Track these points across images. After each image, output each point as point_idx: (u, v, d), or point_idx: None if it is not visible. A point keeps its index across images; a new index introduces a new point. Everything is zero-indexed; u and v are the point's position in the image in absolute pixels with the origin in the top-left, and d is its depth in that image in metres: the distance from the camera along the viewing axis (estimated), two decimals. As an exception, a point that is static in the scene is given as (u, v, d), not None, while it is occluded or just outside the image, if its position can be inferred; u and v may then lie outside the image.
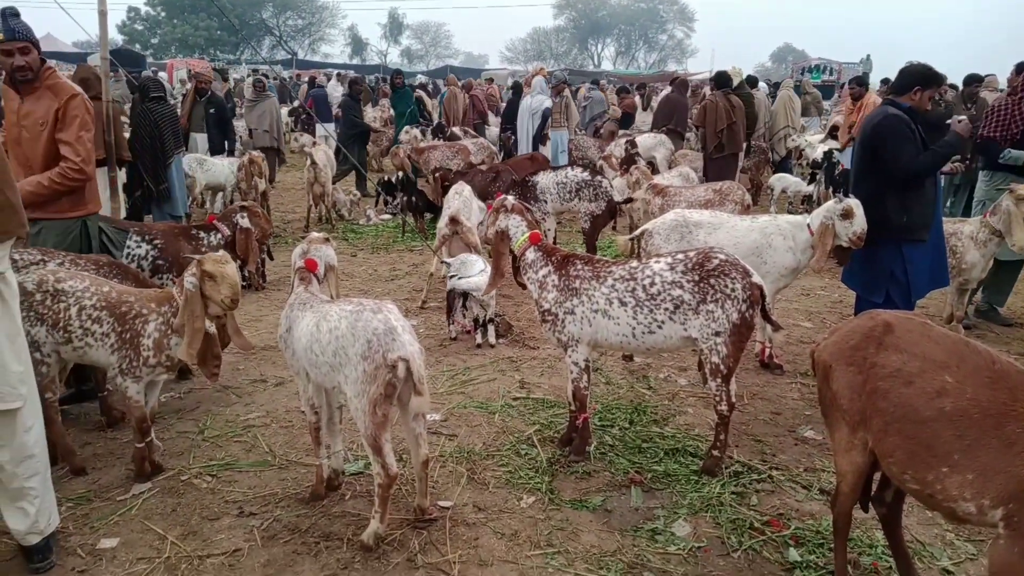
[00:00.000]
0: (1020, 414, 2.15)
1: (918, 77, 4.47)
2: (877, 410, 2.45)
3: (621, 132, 12.97)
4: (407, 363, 2.85)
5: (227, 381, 4.76)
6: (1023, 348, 5.59)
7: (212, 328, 3.69)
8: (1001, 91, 9.27)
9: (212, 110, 9.49)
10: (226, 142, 9.60)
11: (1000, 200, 5.26)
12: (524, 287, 3.98)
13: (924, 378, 2.35)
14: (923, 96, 4.47)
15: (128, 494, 3.46)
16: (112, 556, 3.01)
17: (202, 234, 5.03)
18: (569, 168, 7.68)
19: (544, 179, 7.52)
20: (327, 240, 3.60)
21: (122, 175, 6.32)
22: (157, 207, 6.99)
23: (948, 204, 8.23)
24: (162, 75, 19.81)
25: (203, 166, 8.77)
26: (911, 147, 4.34)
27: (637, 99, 16.69)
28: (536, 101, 10.37)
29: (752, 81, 11.65)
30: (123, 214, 6.15)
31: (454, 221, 6.10)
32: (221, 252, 3.45)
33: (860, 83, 9.48)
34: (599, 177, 7.45)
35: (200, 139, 9.54)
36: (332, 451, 3.45)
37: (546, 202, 7.50)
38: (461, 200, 6.71)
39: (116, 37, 48.91)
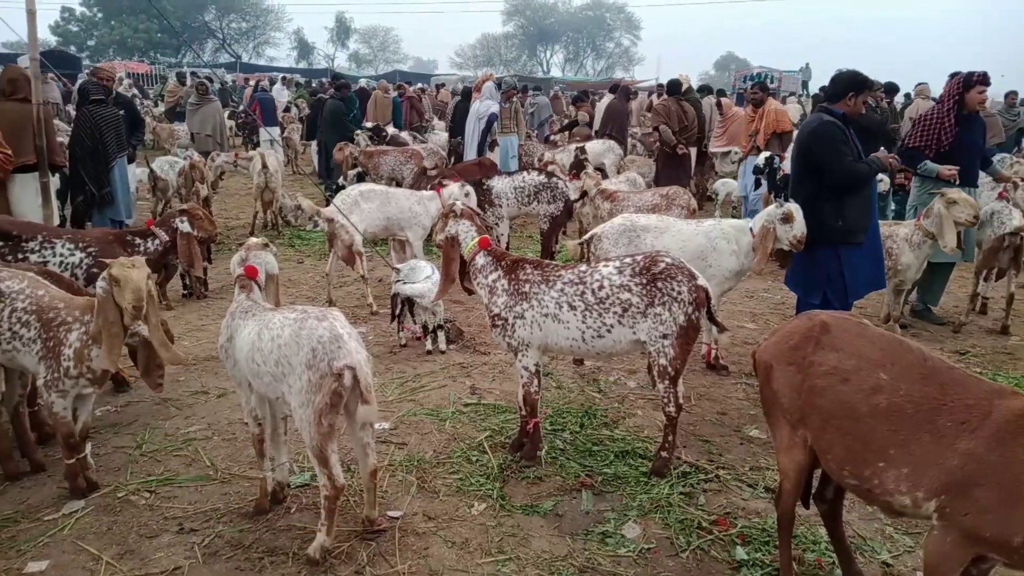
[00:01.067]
0: (950, 408, 2.23)
1: (851, 83, 4.62)
2: (815, 408, 2.51)
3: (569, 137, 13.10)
4: (353, 371, 2.80)
5: (167, 393, 4.58)
6: (956, 346, 5.82)
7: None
8: (933, 99, 9.64)
9: (122, 111, 8.22)
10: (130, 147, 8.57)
11: (932, 204, 5.47)
12: (471, 292, 3.95)
13: (860, 376, 2.42)
14: (857, 101, 4.63)
15: (59, 513, 3.30)
16: (41, 580, 2.87)
17: (139, 240, 4.86)
18: (525, 172, 7.78)
19: (500, 184, 7.59)
20: (267, 246, 3.50)
21: (56, 181, 6.07)
22: (99, 212, 6.74)
23: (892, 208, 8.51)
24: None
25: (175, 168, 8.50)
26: (847, 152, 4.48)
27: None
28: (484, 106, 10.36)
29: (706, 89, 11.94)
30: (56, 220, 5.90)
31: (330, 220, 6.22)
32: (136, 257, 3.29)
33: (762, 88, 9.32)
34: (555, 179, 7.62)
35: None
36: (277, 463, 3.36)
37: (501, 206, 7.55)
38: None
39: (49, 38, 47.09)
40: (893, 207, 8.51)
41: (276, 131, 13.62)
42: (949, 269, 6.44)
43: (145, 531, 3.19)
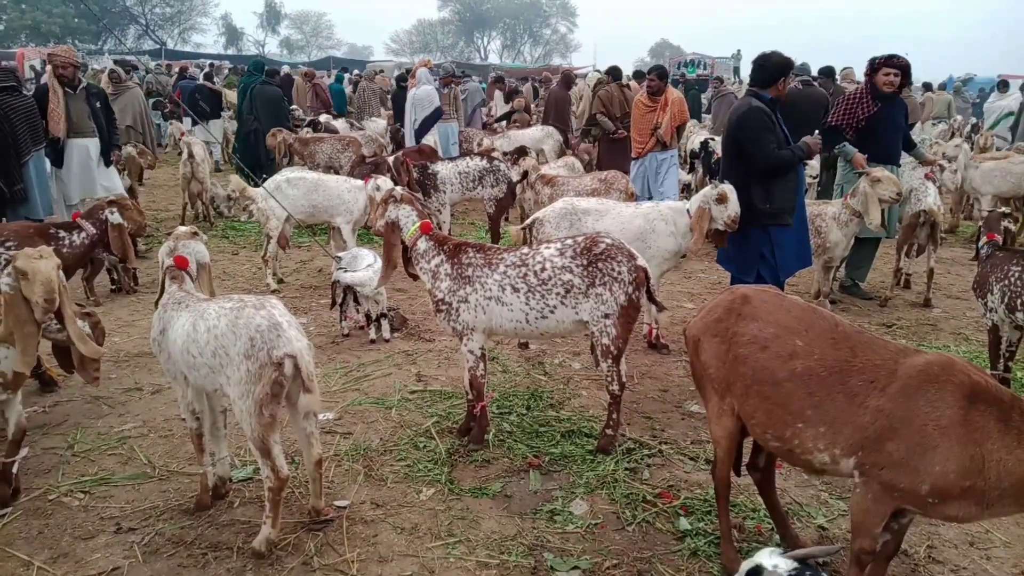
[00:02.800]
0: (860, 369, 2.36)
1: (783, 68, 4.72)
2: (739, 375, 2.62)
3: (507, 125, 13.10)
4: (294, 360, 2.75)
5: (98, 392, 4.41)
6: (883, 319, 6.09)
7: (86, 327, 3.43)
8: (858, 83, 10.00)
9: (99, 104, 7.17)
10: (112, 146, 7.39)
11: (858, 183, 5.70)
12: (415, 278, 3.93)
13: (777, 343, 2.53)
14: (785, 85, 4.76)
15: (-16, 520, 3.15)
16: (-33, 589, 2.74)
17: (62, 233, 4.66)
18: (468, 158, 7.80)
19: (445, 169, 7.60)
20: (195, 234, 3.38)
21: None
22: (11, 210, 6.32)
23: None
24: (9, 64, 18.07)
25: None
26: (772, 139, 4.61)
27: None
28: (422, 92, 10.23)
29: (640, 75, 12.03)
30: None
31: (251, 201, 6.52)
32: (41, 247, 3.11)
33: (660, 75, 7.93)
34: (497, 162, 7.69)
35: (87, 147, 6.99)
36: (217, 458, 3.28)
37: (445, 192, 7.54)
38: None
39: (-47, 23, 44.24)
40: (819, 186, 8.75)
41: (218, 124, 13.09)
42: (875, 246, 6.73)
43: (80, 532, 3.08)
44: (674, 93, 8.01)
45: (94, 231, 4.72)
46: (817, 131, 6.21)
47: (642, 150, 7.89)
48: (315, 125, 11.80)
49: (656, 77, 7.89)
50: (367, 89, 15.33)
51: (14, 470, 3.26)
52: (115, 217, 4.75)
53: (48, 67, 6.93)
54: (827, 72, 10.00)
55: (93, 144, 7.07)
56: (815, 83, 8.90)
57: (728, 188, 4.64)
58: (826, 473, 2.49)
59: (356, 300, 5.43)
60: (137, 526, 3.13)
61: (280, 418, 2.87)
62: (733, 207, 4.61)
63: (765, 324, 2.60)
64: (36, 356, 3.09)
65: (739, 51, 28.74)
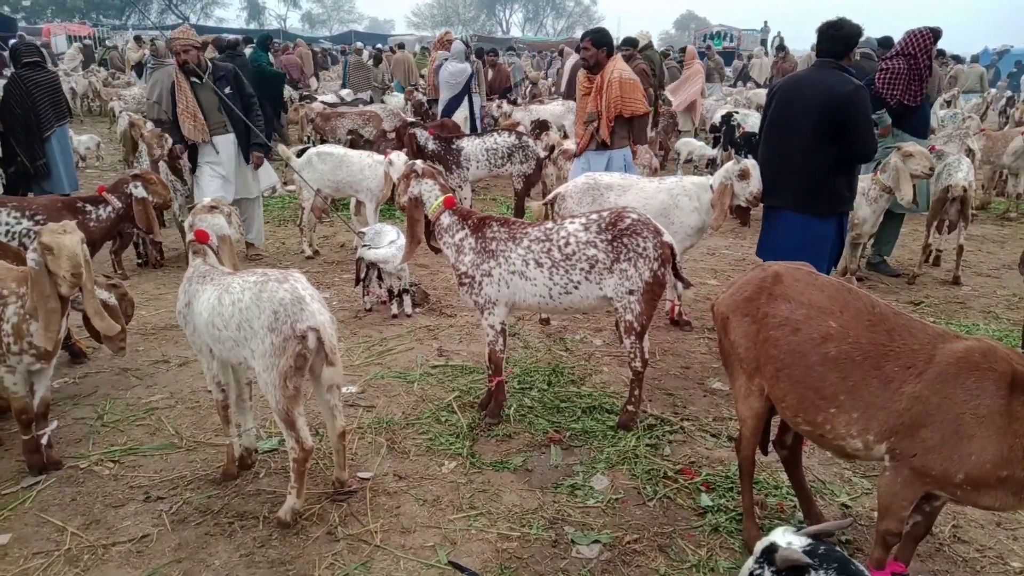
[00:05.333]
0: (897, 353, 2.30)
1: (856, 36, 4.15)
2: (770, 358, 2.57)
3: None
4: (317, 333, 2.77)
5: (126, 363, 4.50)
6: (911, 297, 5.99)
7: (112, 299, 3.47)
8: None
9: (228, 89, 5.92)
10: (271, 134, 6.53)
11: (889, 158, 5.57)
12: (437, 251, 3.93)
13: (810, 325, 2.47)
14: (851, 56, 4.26)
15: (19, 486, 3.23)
16: (3, 553, 2.81)
17: (89, 207, 4.70)
18: (496, 134, 7.73)
19: (470, 146, 7.53)
20: (213, 209, 3.38)
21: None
22: (36, 184, 6.40)
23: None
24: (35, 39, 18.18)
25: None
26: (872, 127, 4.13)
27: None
28: (454, 67, 10.13)
29: (599, 40, 11.68)
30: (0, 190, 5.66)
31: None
32: (65, 222, 3.12)
33: (596, 43, 5.69)
34: (525, 138, 7.69)
35: (223, 146, 6.01)
36: (243, 429, 3.33)
37: (468, 168, 7.49)
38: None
39: (-21, -2, 44.63)
40: None
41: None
42: (900, 220, 6.60)
43: (111, 501, 3.15)
44: (618, 68, 5.64)
45: (120, 205, 4.77)
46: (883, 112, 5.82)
47: (578, 147, 6.06)
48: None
49: (591, 43, 5.69)
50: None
51: (44, 442, 3.33)
52: (139, 191, 4.79)
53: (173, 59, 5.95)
54: (886, 43, 9.33)
55: (225, 143, 6.04)
56: (875, 57, 8.46)
57: (751, 163, 4.55)
58: (858, 458, 2.45)
59: (379, 276, 5.44)
60: (165, 495, 3.19)
61: (304, 391, 2.90)
62: (755, 183, 4.51)
63: (797, 305, 2.53)
64: (59, 331, 3.10)
65: (766, 23, 28.15)
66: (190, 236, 3.26)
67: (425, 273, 6.42)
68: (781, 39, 19.43)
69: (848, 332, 2.40)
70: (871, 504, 3.19)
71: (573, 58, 13.19)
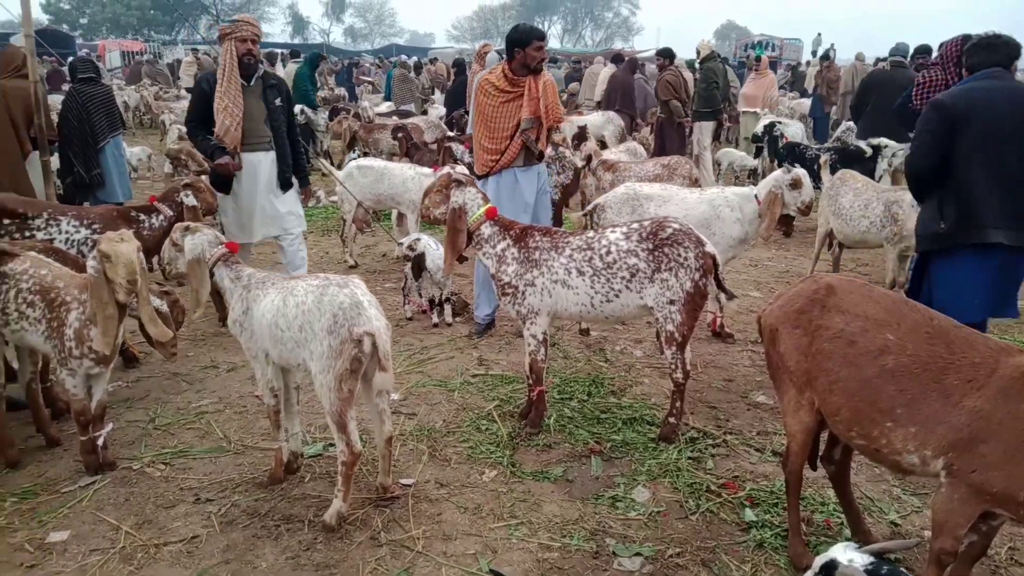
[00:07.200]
0: (957, 366, 2.24)
1: (1017, 48, 3.60)
2: (822, 370, 2.53)
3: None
4: (373, 338, 2.83)
5: (177, 368, 4.63)
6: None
7: (164, 306, 3.57)
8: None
9: (278, 100, 5.04)
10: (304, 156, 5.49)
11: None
12: (462, 261, 3.96)
13: (866, 337, 2.43)
14: None
15: (76, 485, 3.35)
16: (63, 549, 2.92)
17: (143, 216, 4.85)
18: None
19: None
20: (189, 230, 3.36)
21: (56, 160, 6.03)
22: (92, 194, 6.64)
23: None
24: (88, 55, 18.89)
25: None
26: None
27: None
28: (490, 79, 10.20)
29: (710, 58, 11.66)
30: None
31: None
32: (122, 230, 3.22)
33: (514, 44, 4.75)
34: (562, 149, 7.75)
35: (258, 165, 5.01)
36: (290, 433, 3.40)
37: None
38: None
39: (41, 17, 46.54)
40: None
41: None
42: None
43: (162, 501, 3.24)
44: (548, 73, 5.07)
45: (171, 213, 4.91)
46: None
47: (495, 163, 4.94)
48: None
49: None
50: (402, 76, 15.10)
51: (100, 443, 3.45)
52: (190, 199, 4.93)
53: (226, 45, 4.81)
54: (924, 50, 8.98)
55: (267, 161, 5.05)
56: (906, 64, 8.31)
57: (802, 172, 4.50)
58: (913, 474, 2.39)
59: (419, 285, 5.49)
60: (214, 497, 3.27)
61: (356, 394, 2.96)
62: (807, 192, 4.46)
63: (852, 317, 2.48)
64: (116, 338, 3.19)
65: (819, 34, 27.67)
66: (218, 250, 3.30)
67: (465, 283, 6.47)
68: (834, 50, 19.08)
69: (906, 344, 2.35)
70: (921, 523, 3.11)
71: (609, 68, 13.20)
